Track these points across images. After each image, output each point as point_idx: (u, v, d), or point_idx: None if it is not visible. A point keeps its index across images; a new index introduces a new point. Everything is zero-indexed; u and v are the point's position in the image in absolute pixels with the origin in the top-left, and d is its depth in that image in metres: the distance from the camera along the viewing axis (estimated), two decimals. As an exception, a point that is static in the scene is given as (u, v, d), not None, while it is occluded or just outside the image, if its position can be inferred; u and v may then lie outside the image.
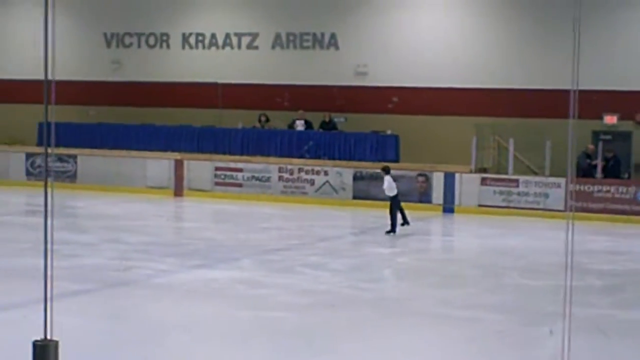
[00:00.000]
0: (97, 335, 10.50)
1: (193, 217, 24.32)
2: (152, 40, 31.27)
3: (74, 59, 30.49)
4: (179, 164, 27.36)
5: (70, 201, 24.50)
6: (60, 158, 28.36)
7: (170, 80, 30.83)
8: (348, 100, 28.86)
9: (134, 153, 28.16)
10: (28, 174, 29.13)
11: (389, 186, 20.25)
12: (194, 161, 27.44)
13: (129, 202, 25.60)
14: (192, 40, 30.81)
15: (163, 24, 31.12)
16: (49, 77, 4.82)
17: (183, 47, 30.94)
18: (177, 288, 13.67)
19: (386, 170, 20.73)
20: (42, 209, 20.83)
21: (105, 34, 31.73)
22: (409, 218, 20.09)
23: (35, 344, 4.63)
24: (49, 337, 4.66)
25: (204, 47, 30.70)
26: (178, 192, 27.27)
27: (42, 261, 15.08)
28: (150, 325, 11.36)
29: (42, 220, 19.91)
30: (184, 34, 30.88)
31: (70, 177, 28.24)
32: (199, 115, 29.85)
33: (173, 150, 27.88)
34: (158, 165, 27.64)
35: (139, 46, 31.44)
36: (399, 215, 19.97)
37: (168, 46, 31.10)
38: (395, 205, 20.09)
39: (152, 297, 12.96)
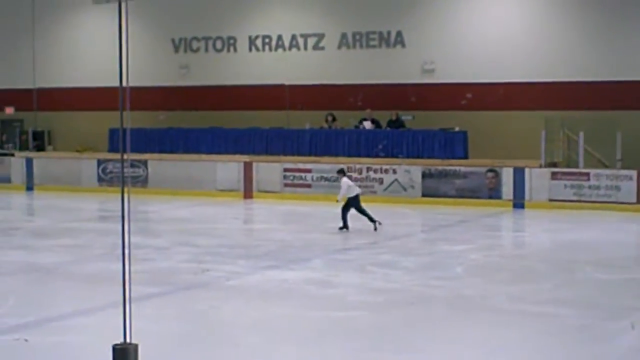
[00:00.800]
0: (173, 338, 10.61)
1: (263, 219, 24.44)
2: (219, 44, 31.51)
3: (143, 65, 30.83)
4: (248, 167, 27.53)
5: (142, 206, 24.78)
6: (131, 163, 28.70)
7: (238, 83, 31.05)
8: (415, 97, 28.79)
9: (203, 157, 28.41)
10: (100, 180, 29.54)
11: (348, 187, 20.37)
12: (263, 163, 27.60)
13: (200, 205, 25.83)
14: (258, 42, 30.98)
15: (230, 28, 31.34)
16: (124, 84, 4.88)
17: (250, 50, 31.13)
18: (250, 289, 13.76)
19: (343, 172, 21.03)
20: (114, 214, 21.10)
21: (173, 40, 32.05)
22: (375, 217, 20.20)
23: (115, 348, 4.71)
24: (128, 340, 4.73)
25: (270, 49, 30.86)
26: (247, 194, 27.44)
27: (115, 266, 15.31)
28: (224, 327, 11.46)
29: (114, 225, 20.21)
30: (250, 37, 31.06)
31: (141, 182, 28.57)
32: (266, 117, 30.02)
33: (242, 153, 28.06)
34: (227, 168, 27.85)
35: (207, 50, 31.70)
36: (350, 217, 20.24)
37: (235, 49, 31.31)
38: (352, 206, 20.26)
39: (226, 299, 13.05)
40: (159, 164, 28.59)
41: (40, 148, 32.93)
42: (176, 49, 32.10)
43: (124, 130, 4.83)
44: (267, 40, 30.88)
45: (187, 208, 25.16)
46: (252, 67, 30.99)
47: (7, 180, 30.92)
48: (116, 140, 29.92)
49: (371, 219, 20.09)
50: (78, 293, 13.55)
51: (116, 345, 4.69)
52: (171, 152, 29.05)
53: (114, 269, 15.15)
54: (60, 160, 30.86)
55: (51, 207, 26.44)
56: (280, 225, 22.09)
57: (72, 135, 32.84)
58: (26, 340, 10.31)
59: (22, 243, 18.95)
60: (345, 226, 20.09)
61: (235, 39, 31.29)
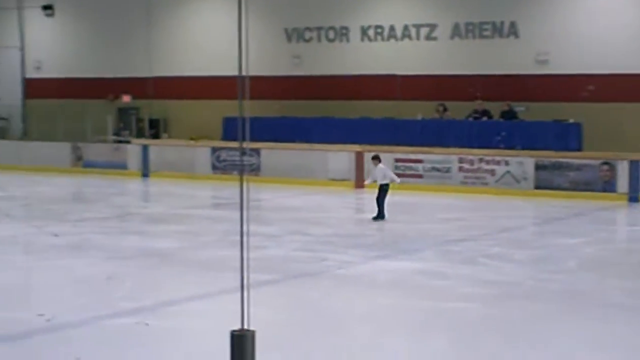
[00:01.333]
0: (284, 325, 10.76)
1: (374, 209, 24.45)
2: (331, 34, 31.65)
3: (257, 54, 31.12)
4: (359, 156, 27.59)
5: (255, 194, 25.06)
6: (244, 152, 29.04)
7: (350, 73, 31.14)
8: (528, 88, 28.46)
9: (315, 146, 28.58)
10: (214, 167, 29.98)
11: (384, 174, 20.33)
12: (374, 153, 27.58)
13: (311, 194, 26.02)
14: (370, 32, 31.02)
15: (342, 18, 31.45)
16: (244, 73, 4.99)
17: (362, 40, 31.19)
18: (360, 279, 13.84)
19: (378, 159, 20.90)
20: (227, 202, 21.52)
21: (286, 30, 32.31)
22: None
23: (233, 334, 4.82)
24: (245, 327, 4.84)
25: (382, 39, 30.86)
26: (359, 183, 27.50)
27: (227, 253, 15.65)
28: (335, 316, 11.55)
29: (227, 213, 20.59)
30: (362, 27, 31.12)
31: (254, 171, 28.91)
32: (378, 107, 30.05)
33: (353, 143, 28.14)
34: (339, 157, 27.97)
35: (319, 40, 31.88)
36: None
37: (347, 39, 31.41)
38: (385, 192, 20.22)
39: (336, 288, 13.16)
40: (271, 153, 28.87)
41: (156, 136, 33.59)
42: (289, 38, 32.35)
43: (243, 120, 4.94)
44: (379, 30, 30.89)
45: (298, 197, 25.38)
46: (363, 57, 31.04)
47: (123, 167, 31.65)
48: (230, 129, 30.33)
49: (380, 212, 20.05)
50: (191, 279, 13.82)
51: (234, 331, 4.80)
52: (284, 141, 29.29)
53: (226, 256, 15.47)
54: (175, 147, 31.44)
55: (166, 193, 26.97)
56: (390, 215, 22.06)
57: (186, 123, 33.40)
58: (147, 324, 10.59)
59: (138, 228, 19.40)
60: (381, 215, 20.06)
61: (347, 29, 31.39)
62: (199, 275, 14.06)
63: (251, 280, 13.34)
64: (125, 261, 15.06)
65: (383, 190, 20.24)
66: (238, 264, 14.37)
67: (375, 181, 20.42)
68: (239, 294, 12.25)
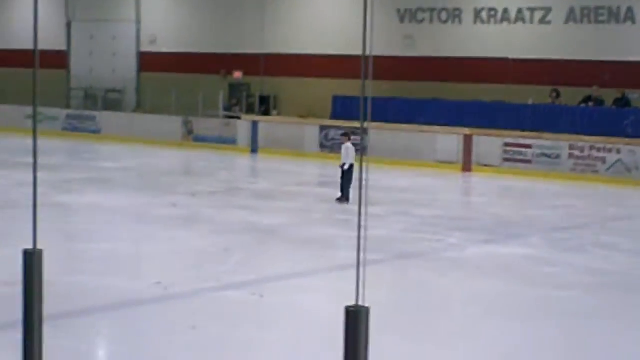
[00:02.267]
0: (389, 305, 10.83)
1: (481, 193, 24.37)
2: (444, 16, 31.46)
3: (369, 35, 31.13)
4: (467, 139, 27.44)
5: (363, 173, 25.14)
6: (353, 132, 29.09)
7: (461, 55, 30.93)
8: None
9: (424, 127, 28.49)
10: (321, 146, 30.15)
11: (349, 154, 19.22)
12: (483, 136, 27.43)
13: (418, 176, 25.99)
14: (484, 15, 30.74)
15: (455, -1, 31.26)
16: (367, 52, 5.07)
17: (475, 22, 30.92)
18: (465, 262, 13.82)
19: (347, 136, 19.80)
20: (334, 180, 21.50)
21: (398, 10, 32.22)
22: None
23: (348, 310, 4.90)
24: (360, 303, 4.92)
25: (495, 21, 30.56)
26: (466, 167, 27.38)
27: (333, 231, 15.79)
28: (436, 297, 11.59)
29: (333, 191, 20.64)
30: (476, 9, 30.84)
31: (358, 150, 28.95)
32: (488, 91, 29.79)
33: (462, 125, 27.97)
34: (447, 140, 27.85)
35: (431, 21, 31.71)
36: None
37: (460, 21, 31.18)
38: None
39: (442, 270, 13.17)
40: (379, 133, 28.88)
41: (266, 112, 33.90)
42: (401, 19, 32.26)
43: (365, 100, 5.01)
44: (492, 12, 30.58)
45: (405, 178, 25.38)
46: (476, 40, 30.79)
47: (233, 142, 32.05)
48: (339, 107, 30.44)
49: (344, 193, 18.99)
50: (297, 256, 13.98)
51: (349, 307, 4.88)
52: (393, 121, 29.27)
53: (332, 234, 15.62)
54: (284, 125, 31.69)
55: (274, 170, 27.25)
56: (498, 199, 21.97)
57: (296, 100, 33.62)
58: (261, 296, 10.79)
59: (245, 203, 19.66)
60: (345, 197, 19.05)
61: (460, 11, 31.15)
62: (304, 252, 14.22)
63: (355, 260, 13.40)
64: (232, 235, 15.30)
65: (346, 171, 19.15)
66: (343, 242, 14.59)
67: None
68: (343, 272, 12.37)
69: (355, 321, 4.86)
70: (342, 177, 19.18)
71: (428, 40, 31.74)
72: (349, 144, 19.54)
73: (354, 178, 18.85)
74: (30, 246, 6.33)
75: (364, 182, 5.17)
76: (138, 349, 8.84)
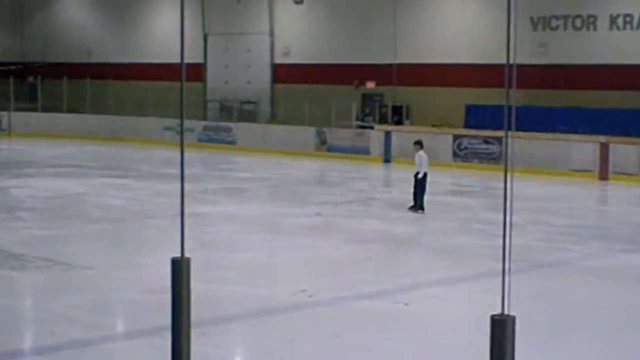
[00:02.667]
0: (528, 315, 10.75)
1: (618, 201, 23.93)
2: (578, 23, 31.00)
3: (501, 42, 30.97)
4: (603, 147, 26.98)
5: (495, 182, 24.98)
6: (485, 140, 28.99)
7: (596, 62, 30.42)
8: None
9: (559, 135, 28.13)
10: (454, 155, 30.07)
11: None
12: (620, 144, 26.93)
13: (553, 184, 25.67)
14: (619, 21, 30.17)
15: (590, 6, 30.75)
16: (511, 61, 5.13)
17: (610, 29, 30.39)
18: (605, 272, 13.64)
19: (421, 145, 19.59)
20: (467, 189, 21.48)
21: (531, 18, 31.89)
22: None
23: (493, 318, 4.95)
24: (506, 312, 4.96)
25: (632, 28, 29.96)
26: (603, 175, 26.91)
27: (467, 240, 15.75)
28: (577, 307, 11.48)
29: (466, 200, 20.58)
30: (611, 15, 30.30)
31: (495, 159, 28.79)
32: (624, 98, 29.22)
33: (598, 133, 27.50)
34: (583, 148, 27.44)
35: (565, 29, 31.29)
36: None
37: (595, 28, 30.68)
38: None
39: (580, 280, 13.03)
40: (514, 142, 28.57)
41: (398, 122, 33.97)
42: (534, 27, 31.92)
43: (510, 109, 5.07)
44: (628, 19, 29.99)
45: (540, 186, 25.09)
46: (611, 46, 30.24)
47: (366, 152, 32.24)
48: (472, 116, 30.33)
49: (417, 202, 19.07)
50: (434, 264, 14.04)
51: (495, 315, 4.93)
52: (527, 130, 28.96)
53: (467, 243, 15.60)
54: (417, 134, 31.65)
55: (407, 179, 27.12)
56: (636, 208, 21.54)
57: (429, 110, 33.58)
58: (406, 304, 10.91)
59: (379, 213, 19.77)
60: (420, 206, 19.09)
61: (595, 17, 30.65)
62: (442, 261, 14.25)
63: (492, 269, 13.40)
64: (367, 244, 15.44)
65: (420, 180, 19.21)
66: (478, 252, 14.56)
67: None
68: (481, 280, 12.36)
69: (502, 330, 4.90)
70: (415, 186, 19.27)
71: (562, 48, 31.32)
72: (422, 153, 19.56)
73: (426, 186, 19.09)
74: (171, 255, 6.57)
75: (508, 192, 5.20)
76: (284, 356, 9.00)
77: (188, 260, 5.87)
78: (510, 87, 4.95)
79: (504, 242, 5.05)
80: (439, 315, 10.64)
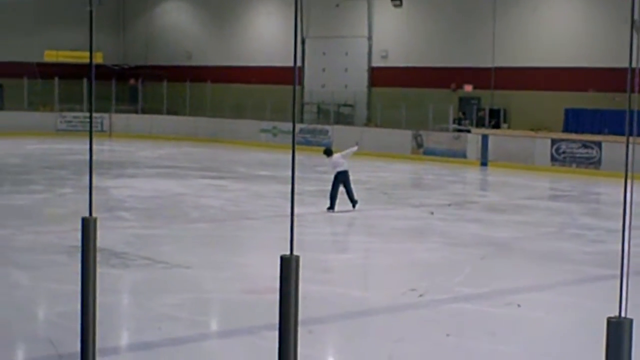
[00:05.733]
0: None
1: None
2: (683, 25, 30.36)
3: (601, 46, 30.56)
4: None
5: (594, 187, 24.70)
6: (584, 144, 28.63)
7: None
8: None
9: (658, 140, 27.58)
10: (553, 159, 29.75)
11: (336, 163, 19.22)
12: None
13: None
14: None
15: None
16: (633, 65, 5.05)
17: None
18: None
19: (328, 153, 19.92)
20: (566, 194, 21.14)
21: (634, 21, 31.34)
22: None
23: (609, 321, 4.88)
24: (622, 314, 4.88)
25: None
26: None
27: (565, 244, 15.52)
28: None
29: (565, 205, 20.24)
30: None
31: (594, 164, 28.40)
32: None
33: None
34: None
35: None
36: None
37: (701, 30, 30.02)
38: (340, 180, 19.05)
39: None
40: (613, 146, 28.22)
41: (496, 125, 33.73)
42: (638, 29, 31.34)
43: (631, 114, 4.99)
44: None
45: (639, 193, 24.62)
46: None
47: (462, 155, 32.11)
48: (571, 120, 29.97)
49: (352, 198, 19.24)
50: (529, 269, 13.94)
51: (610, 318, 4.87)
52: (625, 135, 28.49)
53: (565, 247, 15.45)
54: (514, 138, 31.47)
55: (504, 183, 27.09)
56: None
57: (527, 113, 33.27)
58: (519, 305, 10.90)
59: (477, 217, 19.68)
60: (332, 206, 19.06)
61: (700, 19, 29.99)
62: (541, 265, 14.14)
63: (590, 274, 13.26)
64: (464, 248, 15.39)
65: (336, 178, 19.33)
66: (576, 257, 14.41)
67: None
68: (578, 286, 12.23)
69: (618, 333, 4.82)
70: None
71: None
72: (331, 158, 19.92)
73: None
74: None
75: (627, 200, 5.13)
76: (392, 356, 9.01)
77: (297, 258, 5.87)
78: (632, 91, 4.87)
79: (623, 245, 4.98)
80: (545, 320, 10.55)
